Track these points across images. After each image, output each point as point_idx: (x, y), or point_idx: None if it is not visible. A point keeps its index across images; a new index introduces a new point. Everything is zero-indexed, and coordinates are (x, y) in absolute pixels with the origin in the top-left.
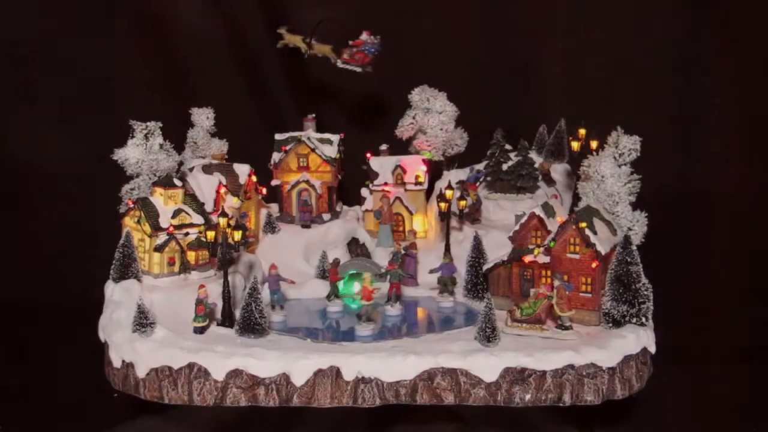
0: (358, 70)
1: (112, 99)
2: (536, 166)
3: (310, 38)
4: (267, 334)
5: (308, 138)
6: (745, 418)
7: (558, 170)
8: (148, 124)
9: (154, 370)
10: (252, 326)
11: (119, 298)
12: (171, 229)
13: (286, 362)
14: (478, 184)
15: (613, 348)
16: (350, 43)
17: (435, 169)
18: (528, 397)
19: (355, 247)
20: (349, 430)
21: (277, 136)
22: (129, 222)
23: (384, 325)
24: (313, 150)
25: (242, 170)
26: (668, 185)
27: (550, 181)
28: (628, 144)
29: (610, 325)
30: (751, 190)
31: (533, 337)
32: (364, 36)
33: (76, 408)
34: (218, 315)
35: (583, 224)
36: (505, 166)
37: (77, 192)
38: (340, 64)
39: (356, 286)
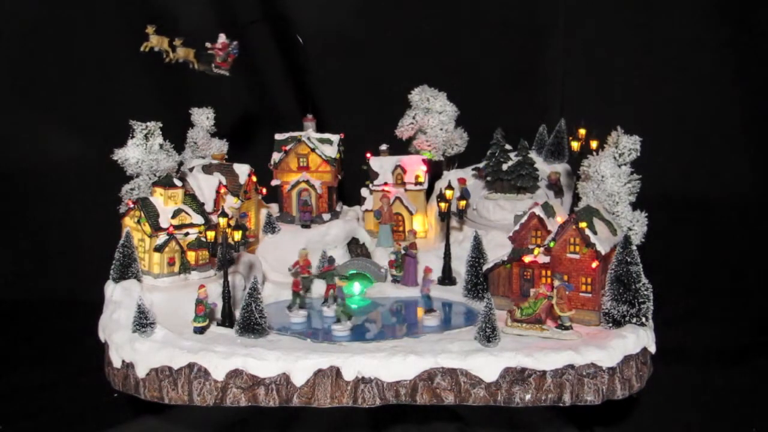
0: (227, 74)
1: (112, 99)
2: (541, 172)
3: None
4: (267, 334)
5: (308, 138)
6: (745, 418)
7: (558, 170)
8: (148, 124)
9: (154, 370)
10: (252, 326)
11: (119, 298)
12: (171, 229)
13: (286, 362)
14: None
15: (613, 348)
16: (213, 46)
17: (435, 169)
18: (528, 397)
19: (355, 247)
20: (349, 430)
21: (277, 136)
22: (129, 222)
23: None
24: (313, 150)
25: (242, 170)
26: (668, 185)
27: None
28: (628, 144)
29: (610, 325)
30: (751, 189)
31: (533, 337)
32: (224, 38)
33: (76, 408)
34: (218, 315)
35: (583, 224)
36: (505, 166)
37: (77, 192)
38: (215, 69)
39: (356, 286)
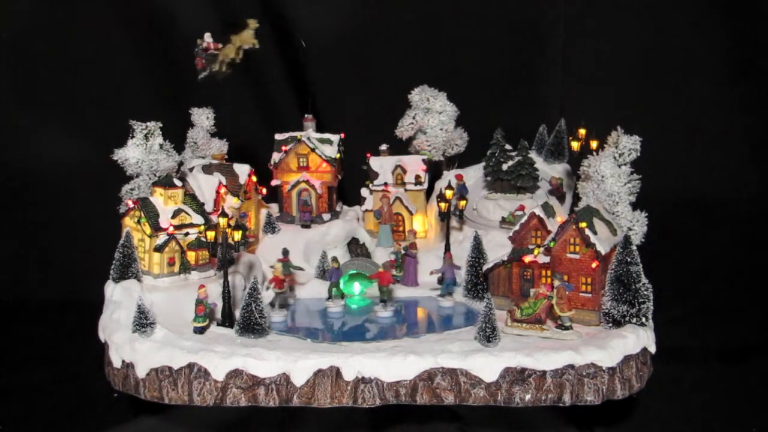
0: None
1: (113, 99)
2: (541, 172)
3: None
4: (267, 334)
5: (308, 138)
6: (745, 418)
7: (558, 170)
8: (148, 124)
9: (154, 370)
10: (252, 326)
11: (119, 298)
12: (171, 229)
13: (286, 362)
14: None
15: (613, 348)
16: (215, 46)
17: (435, 169)
18: (528, 397)
19: (355, 247)
20: (349, 430)
21: (277, 136)
22: (129, 222)
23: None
24: (313, 150)
25: (242, 170)
26: (668, 185)
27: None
28: (628, 144)
29: (610, 325)
30: (751, 190)
31: (533, 337)
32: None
33: (76, 408)
34: (218, 315)
35: (583, 224)
36: (505, 166)
37: (77, 192)
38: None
39: (356, 287)
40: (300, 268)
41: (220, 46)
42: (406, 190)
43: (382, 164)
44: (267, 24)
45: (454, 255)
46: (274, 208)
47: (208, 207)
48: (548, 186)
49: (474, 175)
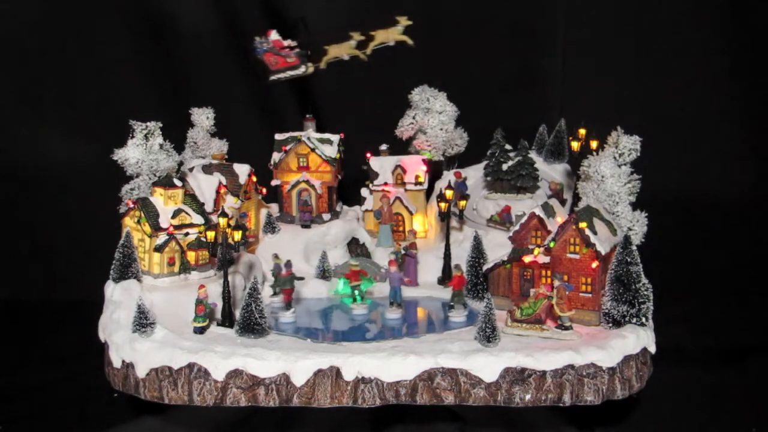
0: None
1: (113, 99)
2: (541, 172)
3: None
4: (267, 334)
5: (308, 138)
6: (745, 418)
7: (558, 170)
8: (148, 124)
9: (154, 370)
10: (252, 326)
11: (119, 298)
12: (171, 229)
13: (286, 362)
14: None
15: (613, 348)
16: (291, 44)
17: (435, 169)
18: (528, 397)
19: (355, 247)
20: (349, 430)
21: (277, 136)
22: (129, 222)
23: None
24: (313, 150)
25: (242, 170)
26: (668, 185)
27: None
28: (628, 144)
29: (610, 325)
30: (751, 190)
31: (533, 337)
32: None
33: (76, 408)
34: (218, 315)
35: (583, 224)
36: (505, 166)
37: (77, 192)
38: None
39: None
40: (301, 278)
41: (294, 44)
42: (406, 190)
43: (382, 164)
44: (266, 24)
45: (454, 255)
46: (274, 208)
47: (208, 207)
48: (548, 191)
49: (474, 175)
